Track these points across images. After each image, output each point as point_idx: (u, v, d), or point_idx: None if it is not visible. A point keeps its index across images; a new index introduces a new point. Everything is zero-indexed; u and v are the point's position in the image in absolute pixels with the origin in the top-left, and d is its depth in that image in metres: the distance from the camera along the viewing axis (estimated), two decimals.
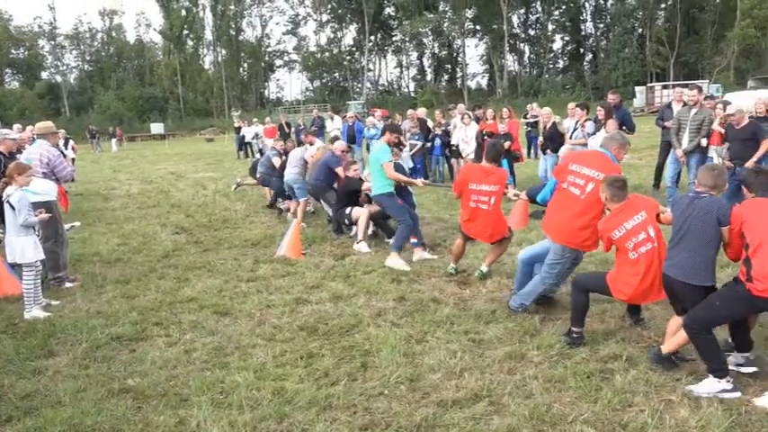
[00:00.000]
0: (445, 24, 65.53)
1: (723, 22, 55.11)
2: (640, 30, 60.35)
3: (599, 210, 4.89)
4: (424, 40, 68.37)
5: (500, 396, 3.88)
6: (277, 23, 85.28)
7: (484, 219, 6.30)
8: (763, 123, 8.55)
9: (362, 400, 3.89)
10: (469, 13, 65.03)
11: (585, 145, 9.43)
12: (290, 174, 9.70)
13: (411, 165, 13.60)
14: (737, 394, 3.74)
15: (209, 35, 70.60)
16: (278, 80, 78.83)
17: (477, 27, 66.53)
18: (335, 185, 9.02)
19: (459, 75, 70.57)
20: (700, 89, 9.24)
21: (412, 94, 66.05)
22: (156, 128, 54.98)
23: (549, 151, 10.75)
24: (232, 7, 68.99)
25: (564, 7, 65.37)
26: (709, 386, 3.80)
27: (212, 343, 4.96)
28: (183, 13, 67.64)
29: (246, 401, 3.90)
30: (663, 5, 60.19)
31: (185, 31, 68.21)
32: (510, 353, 4.53)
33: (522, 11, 66.51)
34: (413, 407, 3.78)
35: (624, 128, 9.33)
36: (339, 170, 8.85)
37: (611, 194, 4.54)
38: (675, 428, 3.44)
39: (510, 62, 67.05)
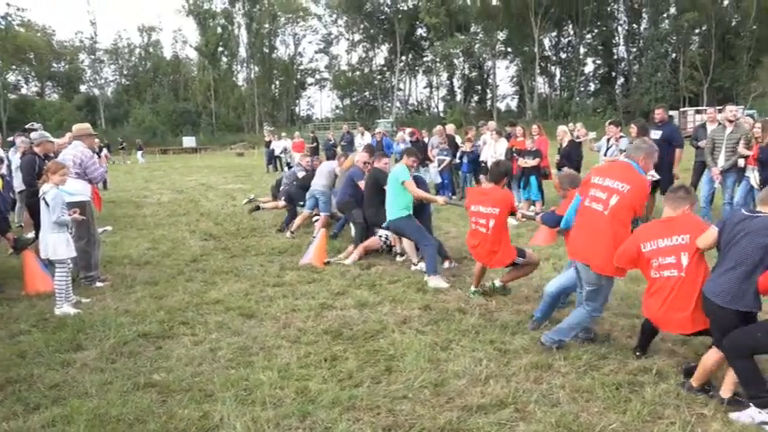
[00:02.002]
0: (476, 46, 65.79)
1: (760, 47, 54.31)
2: (674, 55, 59.77)
3: (627, 227, 4.46)
4: (455, 61, 68.64)
5: (526, 403, 3.82)
6: (310, 42, 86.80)
7: (484, 242, 5.99)
8: None
9: (386, 401, 3.86)
10: (501, 36, 65.27)
11: None
12: (318, 185, 9.67)
13: (439, 180, 13.64)
14: None
15: (243, 52, 71.92)
16: (309, 97, 79.77)
17: (509, 49, 66.69)
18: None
19: (489, 96, 70.67)
20: (736, 106, 9.09)
21: (441, 114, 66.22)
22: (189, 141, 55.95)
23: (564, 169, 10.65)
24: (267, 26, 70.26)
25: (596, 31, 65.20)
26: (751, 415, 3.56)
27: (237, 343, 4.98)
28: (219, 30, 69.08)
29: (270, 399, 3.90)
30: (697, 31, 59.57)
31: (220, 48, 69.62)
32: (536, 362, 4.46)
33: (554, 34, 66.55)
34: (437, 410, 3.73)
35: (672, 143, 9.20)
36: (361, 184, 8.67)
37: (668, 199, 4.27)
38: None
39: (540, 84, 67.00)
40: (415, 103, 75.50)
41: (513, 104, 71.30)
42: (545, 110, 61.88)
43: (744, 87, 54.39)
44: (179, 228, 11.09)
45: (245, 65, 73.05)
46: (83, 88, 74.24)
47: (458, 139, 14.33)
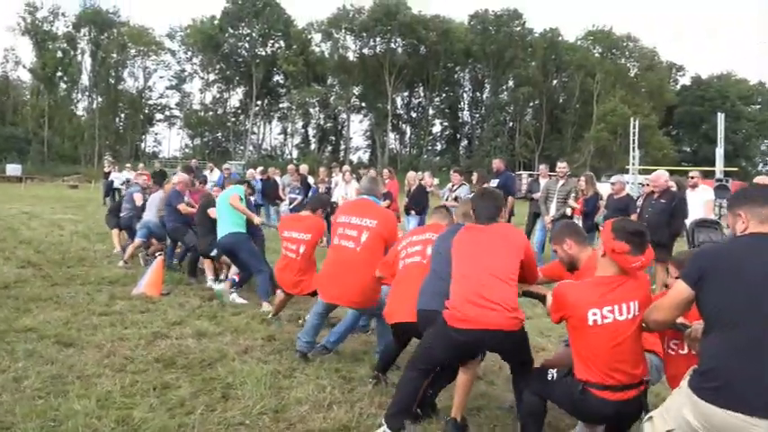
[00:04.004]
0: (332, 98, 67.25)
1: (582, 124, 61.19)
2: (511, 123, 65.36)
3: (377, 262, 4.59)
4: (311, 110, 69.49)
5: (369, 427, 3.69)
6: (161, 77, 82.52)
7: (290, 268, 5.89)
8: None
9: (220, 429, 3.55)
10: (356, 90, 67.36)
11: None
12: (151, 216, 9.10)
13: None
14: None
15: (85, 80, 67.22)
16: (157, 134, 75.13)
17: (363, 104, 68.90)
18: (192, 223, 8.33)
19: (342, 147, 72.07)
20: (567, 164, 10.01)
21: (294, 161, 66.23)
22: (13, 169, 50.47)
23: (413, 212, 11.19)
24: (114, 55, 66.58)
25: (444, 95, 69.59)
26: None
27: (49, 371, 4.35)
28: (60, 54, 64.17)
29: (84, 429, 3.40)
30: (531, 104, 65.83)
31: (59, 73, 64.55)
32: (381, 389, 4.37)
33: (406, 94, 69.96)
34: None
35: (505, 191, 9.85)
36: (181, 206, 8.24)
37: (435, 213, 4.64)
38: None
39: (392, 140, 69.65)
40: (269, 149, 74.93)
41: (365, 157, 73.31)
42: (395, 164, 64.20)
43: (568, 158, 60.53)
44: None
45: (86, 93, 68.30)
46: None
47: (310, 179, 14.31)
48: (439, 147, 72.00)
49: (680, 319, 2.90)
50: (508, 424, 3.89)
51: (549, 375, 3.30)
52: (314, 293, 5.87)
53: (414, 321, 3.88)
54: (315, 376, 4.59)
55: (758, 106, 66.22)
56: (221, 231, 7.03)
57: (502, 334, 3.31)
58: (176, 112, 72.52)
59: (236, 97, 72.34)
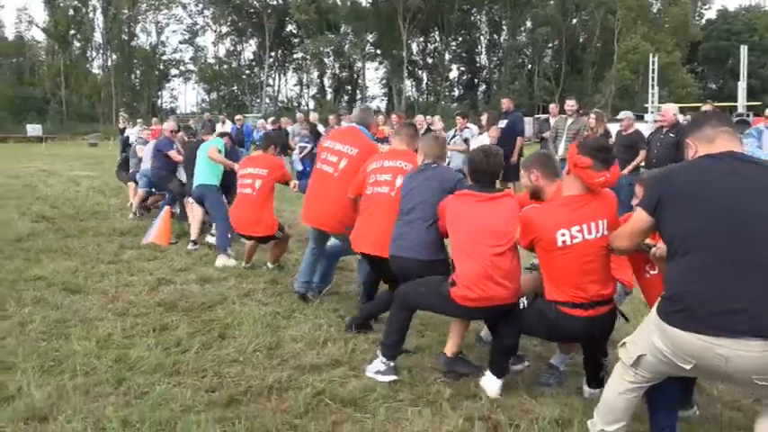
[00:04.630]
0: (346, 46, 66.20)
1: (603, 63, 59.48)
2: (530, 66, 63.90)
3: None
4: (326, 60, 68.64)
5: (361, 362, 3.76)
6: (174, 31, 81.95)
7: (247, 206, 5.83)
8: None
9: (214, 365, 3.64)
10: (370, 38, 66.15)
11: (466, 151, 9.69)
12: (147, 165, 9.04)
13: (300, 167, 13.43)
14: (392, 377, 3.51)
15: (98, 37, 66.96)
16: (173, 90, 75.09)
17: (378, 51, 67.76)
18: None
19: (358, 96, 71.34)
20: (577, 100, 9.80)
21: (310, 112, 65.88)
22: (33, 130, 51.02)
23: None
24: (125, 11, 65.98)
25: (461, 39, 68.06)
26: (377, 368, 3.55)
27: (54, 316, 4.48)
28: (71, 12, 63.80)
29: (82, 368, 3.53)
30: (550, 45, 64.12)
31: (72, 31, 64.31)
32: (377, 328, 4.42)
33: (422, 39, 68.53)
34: (267, 371, 3.58)
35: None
36: (172, 153, 8.21)
37: (398, 134, 4.37)
38: None
39: (408, 87, 68.70)
40: (285, 100, 74.52)
41: (383, 106, 72.55)
42: (412, 112, 63.54)
43: (589, 99, 59.30)
44: (6, 210, 9.95)
45: (101, 51, 68.14)
46: None
47: (320, 128, 14.24)
48: (456, 92, 70.89)
49: (646, 240, 2.87)
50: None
51: (521, 305, 3.30)
52: (271, 237, 5.94)
53: (378, 255, 3.95)
54: (313, 316, 4.67)
55: None
56: (196, 181, 7.00)
57: (508, 306, 3.32)
58: (191, 67, 72.16)
59: (249, 49, 71.71)
